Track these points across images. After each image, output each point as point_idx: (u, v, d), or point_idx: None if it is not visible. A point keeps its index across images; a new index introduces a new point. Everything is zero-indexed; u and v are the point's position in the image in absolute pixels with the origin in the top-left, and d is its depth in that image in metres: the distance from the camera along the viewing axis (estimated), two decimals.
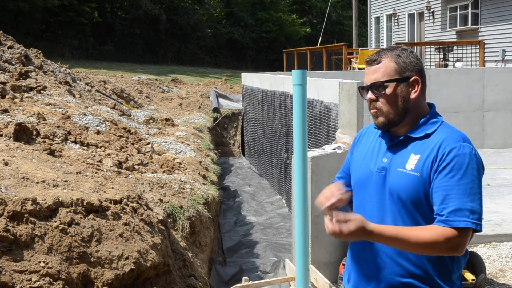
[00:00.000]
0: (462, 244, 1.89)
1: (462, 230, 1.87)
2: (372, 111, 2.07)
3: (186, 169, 6.23)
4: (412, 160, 2.00)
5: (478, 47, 14.03)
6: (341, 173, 2.34)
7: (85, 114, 6.86)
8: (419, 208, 1.97)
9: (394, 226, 1.94)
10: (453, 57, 15.92)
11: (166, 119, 9.96)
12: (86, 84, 11.09)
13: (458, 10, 17.60)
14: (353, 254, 2.15)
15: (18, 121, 5.04)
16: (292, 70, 2.43)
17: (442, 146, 1.96)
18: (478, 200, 1.90)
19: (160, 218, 4.09)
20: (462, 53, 15.04)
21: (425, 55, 16.63)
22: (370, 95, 2.05)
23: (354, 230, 1.85)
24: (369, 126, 2.29)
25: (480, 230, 1.91)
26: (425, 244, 1.88)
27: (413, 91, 2.04)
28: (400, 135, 2.08)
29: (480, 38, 15.84)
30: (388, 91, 2.02)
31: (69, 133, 5.67)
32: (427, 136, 2.03)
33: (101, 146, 5.76)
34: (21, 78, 7.70)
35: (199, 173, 6.44)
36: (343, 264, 4.33)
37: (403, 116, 2.04)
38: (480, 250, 5.10)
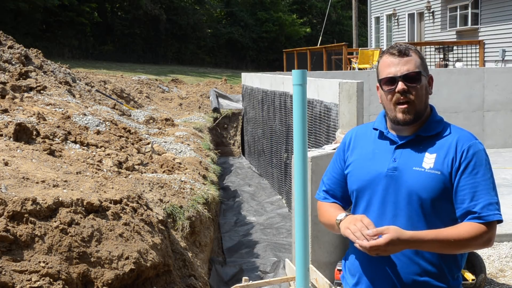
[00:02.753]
0: (494, 236, 1.97)
1: (493, 223, 1.95)
2: (401, 107, 2.02)
3: (186, 169, 6.23)
4: (428, 159, 2.01)
5: (478, 47, 14.03)
6: (329, 184, 2.25)
7: (85, 114, 6.86)
8: (437, 206, 1.99)
9: (429, 230, 1.94)
10: (453, 57, 15.92)
11: (166, 119, 9.96)
12: (86, 84, 11.10)
13: (458, 10, 17.60)
14: (363, 256, 2.07)
15: (18, 121, 5.04)
16: (292, 70, 2.43)
17: (459, 144, 2.00)
18: (497, 193, 2.02)
19: (160, 218, 4.09)
20: (462, 53, 15.04)
21: (425, 55, 16.61)
22: (402, 85, 2.01)
23: (390, 241, 1.85)
24: (357, 128, 2.27)
25: (502, 221, 2.00)
26: (464, 242, 1.92)
27: (430, 87, 2.11)
28: (407, 134, 2.07)
29: (480, 38, 15.84)
30: (421, 83, 2.04)
31: (69, 133, 5.67)
32: (438, 134, 2.05)
33: (101, 146, 5.76)
34: (21, 78, 7.70)
35: (199, 173, 6.44)
36: (338, 270, 4.29)
37: (425, 110, 2.07)
38: (480, 250, 5.10)
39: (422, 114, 2.05)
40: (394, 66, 2.03)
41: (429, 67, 15.48)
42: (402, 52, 2.04)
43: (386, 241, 1.85)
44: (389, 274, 2.03)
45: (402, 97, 2.01)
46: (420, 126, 2.07)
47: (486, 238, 1.94)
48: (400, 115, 2.03)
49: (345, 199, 2.23)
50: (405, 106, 2.02)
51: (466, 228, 1.93)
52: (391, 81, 2.03)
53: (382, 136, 2.13)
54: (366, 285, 2.09)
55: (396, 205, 2.02)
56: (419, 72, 2.02)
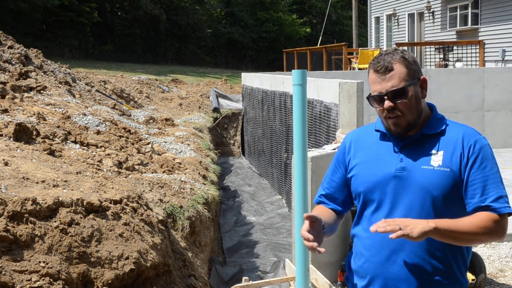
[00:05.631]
0: (506, 229, 1.98)
1: (505, 216, 1.96)
2: (391, 120, 2.03)
3: (186, 169, 6.23)
4: (436, 157, 2.02)
5: (478, 47, 14.02)
6: (329, 188, 2.25)
7: (85, 114, 6.86)
8: (449, 203, 2.00)
9: (448, 220, 1.94)
10: (453, 57, 15.91)
11: (166, 119, 9.96)
12: (86, 84, 11.09)
13: (458, 10, 17.60)
14: (376, 258, 2.08)
15: (18, 121, 5.03)
16: (292, 70, 2.43)
17: (465, 140, 2.02)
18: (504, 186, 2.02)
19: (160, 218, 4.09)
20: (462, 53, 15.04)
21: (425, 55, 16.63)
22: (388, 103, 2.01)
23: (421, 228, 1.84)
24: (356, 131, 2.28)
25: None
26: (480, 231, 1.92)
27: (423, 90, 2.09)
28: (412, 134, 2.08)
29: (480, 38, 15.83)
30: (409, 96, 2.02)
31: (69, 133, 5.67)
32: (441, 132, 2.07)
33: (101, 146, 5.76)
34: (21, 78, 7.70)
35: (199, 173, 6.44)
36: (341, 271, 4.28)
37: (420, 117, 2.07)
38: (480, 250, 5.10)
39: (416, 122, 2.06)
40: (378, 83, 2.04)
41: (429, 67, 15.49)
42: (385, 67, 2.02)
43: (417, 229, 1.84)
44: (403, 275, 2.04)
45: (389, 114, 2.03)
46: (423, 125, 2.08)
47: (500, 228, 1.95)
48: (392, 127, 2.06)
49: (345, 203, 2.24)
50: (394, 119, 2.03)
51: (481, 217, 1.94)
52: (378, 98, 2.04)
53: (385, 137, 2.13)
54: (378, 287, 2.09)
55: (407, 204, 2.03)
56: (403, 87, 2.01)
